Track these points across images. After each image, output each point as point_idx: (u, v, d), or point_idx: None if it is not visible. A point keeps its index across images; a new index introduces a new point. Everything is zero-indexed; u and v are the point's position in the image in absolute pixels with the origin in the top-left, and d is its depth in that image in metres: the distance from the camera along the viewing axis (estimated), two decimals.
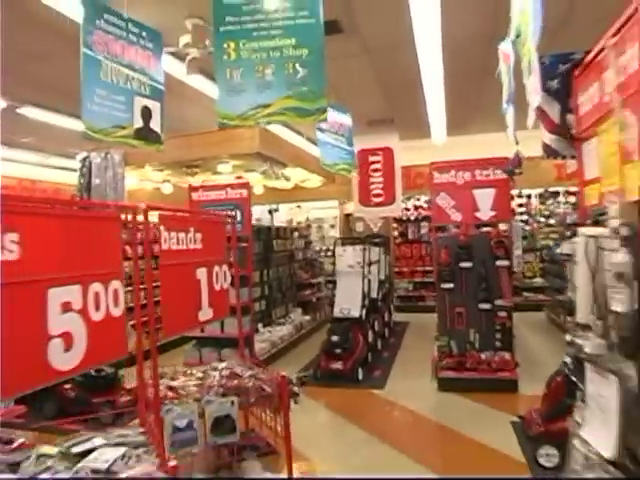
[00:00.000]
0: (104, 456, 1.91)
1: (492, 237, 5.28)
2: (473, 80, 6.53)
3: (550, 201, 10.12)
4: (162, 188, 8.19)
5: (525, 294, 9.42)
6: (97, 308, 2.07)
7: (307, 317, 8.30)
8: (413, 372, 5.76)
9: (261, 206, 9.95)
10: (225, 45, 2.72)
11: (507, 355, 5.03)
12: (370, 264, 6.75)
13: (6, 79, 4.52)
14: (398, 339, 7.62)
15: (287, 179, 7.84)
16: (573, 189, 9.29)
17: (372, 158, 8.72)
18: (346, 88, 6.50)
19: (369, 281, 6.57)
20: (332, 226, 11.24)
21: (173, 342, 6.13)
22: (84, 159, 6.70)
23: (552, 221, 9.76)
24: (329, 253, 11.03)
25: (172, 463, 2.02)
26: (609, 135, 1.97)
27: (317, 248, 10.64)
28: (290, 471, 2.81)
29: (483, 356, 5.05)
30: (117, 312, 2.18)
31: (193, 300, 2.84)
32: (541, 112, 3.62)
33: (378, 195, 8.77)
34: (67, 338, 1.91)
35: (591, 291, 1.95)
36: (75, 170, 10.40)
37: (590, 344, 1.96)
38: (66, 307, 1.91)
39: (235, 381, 2.76)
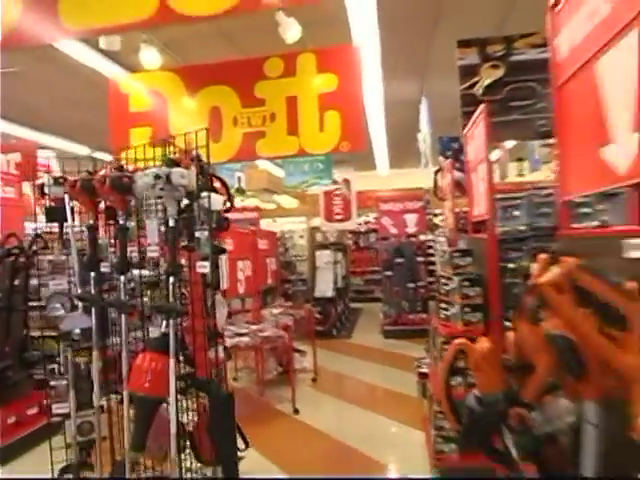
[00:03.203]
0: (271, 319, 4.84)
1: (415, 243, 8.55)
2: (406, 138, 9.82)
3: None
4: None
5: None
6: (245, 270, 5.00)
7: (289, 303, 11.22)
8: (368, 331, 8.92)
9: None
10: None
11: (424, 315, 8.25)
12: (336, 262, 9.83)
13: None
14: (356, 316, 10.77)
15: (277, 203, 10.80)
16: None
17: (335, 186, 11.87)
18: None
19: (336, 274, 9.64)
20: (301, 237, 14.24)
21: None
22: None
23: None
24: (299, 257, 14.11)
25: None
26: (446, 203, 5.17)
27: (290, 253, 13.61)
28: (315, 358, 5.80)
29: (410, 316, 8.26)
30: (250, 273, 5.13)
31: (265, 272, 5.81)
32: None
33: (339, 213, 11.90)
34: (240, 280, 4.83)
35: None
36: None
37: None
38: (240, 269, 4.84)
39: (288, 311, 5.74)
